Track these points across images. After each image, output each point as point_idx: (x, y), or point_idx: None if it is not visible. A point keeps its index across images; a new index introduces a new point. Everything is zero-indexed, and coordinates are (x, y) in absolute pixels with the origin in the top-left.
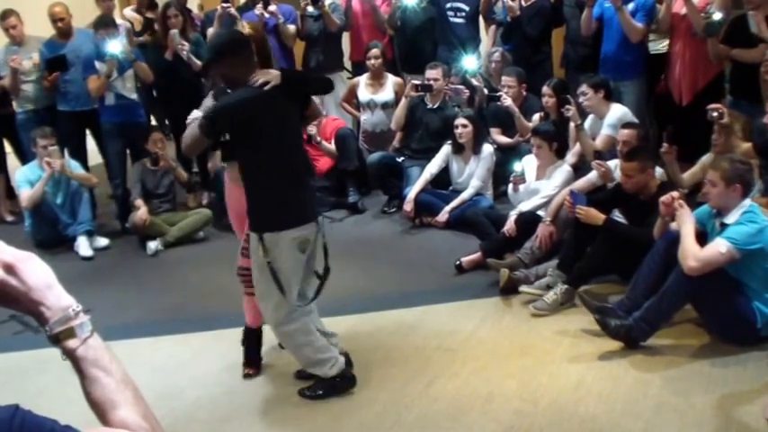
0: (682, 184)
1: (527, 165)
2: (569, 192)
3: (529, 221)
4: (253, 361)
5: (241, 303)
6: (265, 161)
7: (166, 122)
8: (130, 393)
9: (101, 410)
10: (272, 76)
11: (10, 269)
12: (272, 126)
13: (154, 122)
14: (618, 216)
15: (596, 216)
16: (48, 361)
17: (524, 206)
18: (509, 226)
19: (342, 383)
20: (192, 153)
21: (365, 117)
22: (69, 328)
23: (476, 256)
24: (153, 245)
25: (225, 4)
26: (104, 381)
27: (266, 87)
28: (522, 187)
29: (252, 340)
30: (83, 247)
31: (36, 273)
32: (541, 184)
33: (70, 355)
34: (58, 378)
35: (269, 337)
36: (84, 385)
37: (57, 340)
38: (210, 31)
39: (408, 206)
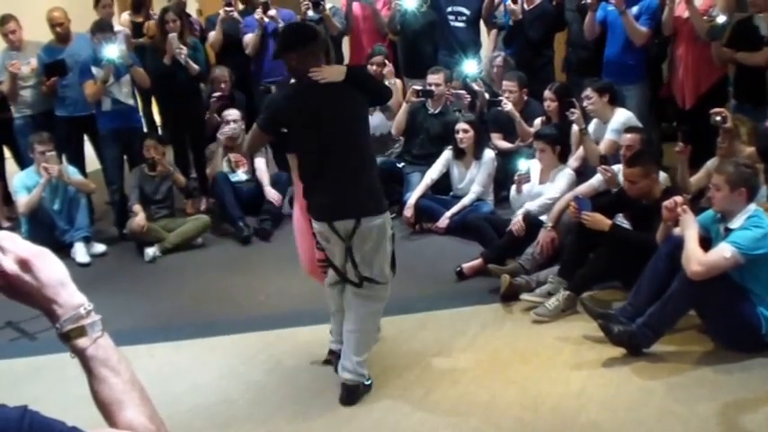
0: (688, 187)
1: (530, 168)
2: (574, 197)
3: (531, 226)
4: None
5: (239, 310)
6: (301, 156)
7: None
8: (137, 394)
9: (108, 411)
10: (333, 71)
11: (24, 264)
12: (318, 119)
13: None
14: (622, 221)
15: (602, 222)
16: (43, 368)
17: (530, 205)
18: (517, 225)
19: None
20: (252, 151)
21: None
22: (80, 327)
23: (477, 262)
24: (151, 251)
25: (228, 8)
26: (112, 381)
27: (321, 81)
28: (524, 190)
29: None
30: (80, 253)
31: (50, 269)
32: (545, 188)
33: (80, 354)
34: (54, 385)
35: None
36: (92, 385)
37: (67, 338)
38: (212, 35)
39: (409, 212)
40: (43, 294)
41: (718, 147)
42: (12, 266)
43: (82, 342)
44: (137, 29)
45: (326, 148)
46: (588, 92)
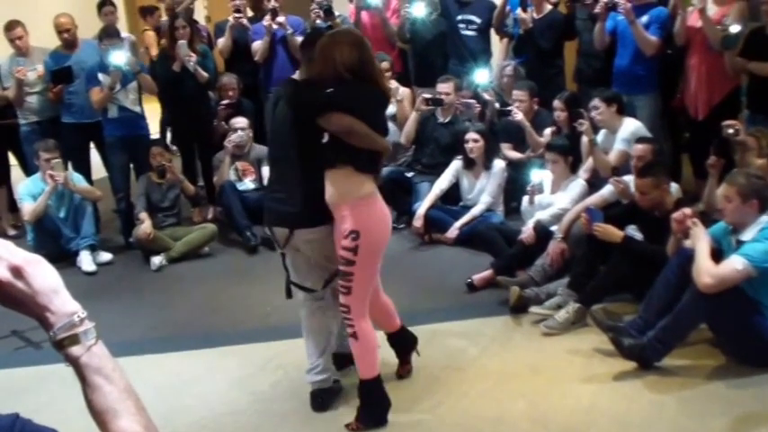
0: (716, 202)
1: (543, 179)
2: (585, 208)
3: (541, 237)
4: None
5: (246, 320)
6: None
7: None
8: (132, 403)
9: (102, 419)
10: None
11: (18, 272)
12: (270, 124)
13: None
14: (634, 233)
15: (614, 233)
16: (48, 378)
17: (541, 215)
18: (528, 234)
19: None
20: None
21: None
22: (74, 335)
23: (487, 273)
24: (157, 260)
25: (237, 15)
26: (106, 389)
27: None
28: (536, 201)
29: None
30: (85, 261)
31: (43, 277)
32: (556, 198)
33: (74, 362)
34: (59, 395)
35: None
36: (86, 393)
37: (60, 346)
38: (221, 41)
39: (418, 222)
40: (36, 302)
41: (737, 160)
42: (4, 273)
43: (75, 350)
44: None
45: (272, 154)
46: (596, 102)
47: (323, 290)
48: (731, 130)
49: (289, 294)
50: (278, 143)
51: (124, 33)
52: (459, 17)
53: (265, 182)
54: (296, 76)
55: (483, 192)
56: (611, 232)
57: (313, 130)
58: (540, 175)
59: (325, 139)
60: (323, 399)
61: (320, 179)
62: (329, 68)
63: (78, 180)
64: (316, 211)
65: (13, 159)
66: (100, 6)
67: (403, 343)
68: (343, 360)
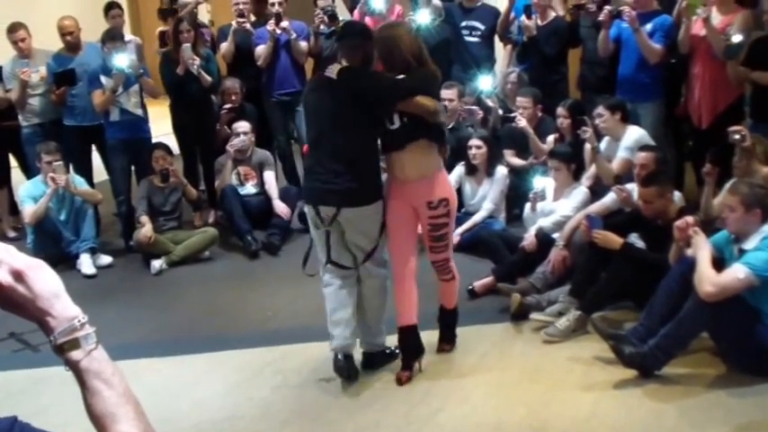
0: (712, 210)
1: (545, 186)
2: (586, 216)
3: (543, 245)
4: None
5: (245, 324)
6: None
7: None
8: (131, 408)
9: (101, 424)
10: (334, 69)
11: (19, 276)
12: (313, 109)
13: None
14: (636, 240)
15: (614, 240)
16: (46, 380)
17: (544, 222)
18: (529, 241)
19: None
20: None
21: None
22: (74, 339)
23: (488, 280)
24: (157, 263)
25: (240, 19)
26: (106, 394)
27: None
28: (539, 208)
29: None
30: (85, 264)
31: (44, 281)
32: (559, 205)
33: (73, 366)
34: (56, 398)
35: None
36: (86, 398)
37: (61, 350)
38: (224, 45)
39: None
40: (37, 306)
41: (734, 166)
42: (6, 277)
43: (76, 354)
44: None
45: (319, 137)
46: (600, 109)
47: (356, 268)
48: (737, 136)
49: (305, 265)
50: (327, 127)
51: (128, 36)
52: (464, 23)
53: (266, 186)
54: (333, 68)
55: (485, 198)
56: (611, 239)
57: (376, 114)
58: (542, 183)
59: (396, 124)
60: (348, 365)
61: (373, 160)
62: (395, 57)
63: (79, 183)
64: (367, 191)
65: (13, 161)
66: (107, 9)
67: (413, 345)
68: (373, 360)
